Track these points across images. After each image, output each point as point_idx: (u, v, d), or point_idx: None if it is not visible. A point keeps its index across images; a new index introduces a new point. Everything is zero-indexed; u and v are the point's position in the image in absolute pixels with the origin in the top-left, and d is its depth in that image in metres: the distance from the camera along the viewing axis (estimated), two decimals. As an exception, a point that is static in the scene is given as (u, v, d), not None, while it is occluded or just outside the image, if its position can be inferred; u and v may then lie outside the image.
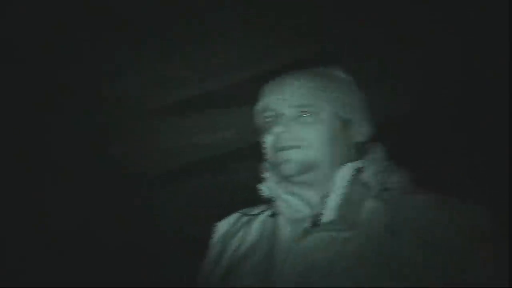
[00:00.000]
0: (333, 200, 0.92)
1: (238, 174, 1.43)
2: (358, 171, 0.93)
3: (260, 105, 1.01)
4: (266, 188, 1.00)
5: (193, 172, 1.55)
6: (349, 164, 0.93)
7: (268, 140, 0.97)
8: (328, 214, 0.90)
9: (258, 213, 1.04)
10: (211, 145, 1.48)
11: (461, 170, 0.88)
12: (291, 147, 0.94)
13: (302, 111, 0.94)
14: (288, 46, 0.96)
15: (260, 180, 1.04)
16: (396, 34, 1.23)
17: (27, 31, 1.21)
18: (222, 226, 1.10)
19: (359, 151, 0.98)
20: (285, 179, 0.96)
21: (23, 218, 1.43)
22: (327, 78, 0.99)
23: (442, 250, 0.80)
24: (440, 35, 1.23)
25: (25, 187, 1.43)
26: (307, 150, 0.93)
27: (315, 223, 0.92)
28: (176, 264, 1.41)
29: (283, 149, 0.94)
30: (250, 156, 1.04)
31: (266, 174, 1.00)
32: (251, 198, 1.04)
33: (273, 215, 0.99)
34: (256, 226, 1.04)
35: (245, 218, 1.07)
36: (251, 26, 1.24)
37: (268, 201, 1.00)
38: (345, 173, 0.93)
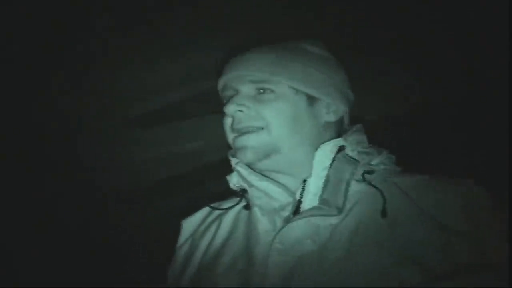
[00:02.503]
0: (314, 183, 0.83)
1: (210, 189, 1.35)
2: (339, 150, 0.84)
3: (219, 83, 0.91)
4: (236, 178, 0.90)
5: (161, 189, 1.48)
6: (330, 142, 0.83)
7: (227, 122, 0.88)
8: (310, 200, 0.82)
9: (230, 207, 0.93)
10: (179, 158, 1.41)
11: (461, 170, 0.87)
12: (246, 131, 0.84)
13: (259, 88, 0.85)
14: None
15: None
16: (395, 34, 1.23)
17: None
18: (190, 224, 0.99)
19: (335, 131, 0.90)
20: (251, 165, 0.85)
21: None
22: (291, 51, 0.88)
23: (442, 229, 0.74)
24: (440, 35, 1.23)
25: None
26: (266, 132, 0.83)
27: (296, 210, 0.83)
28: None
29: (239, 132, 0.84)
30: (222, 168, 0.94)
31: (234, 161, 0.89)
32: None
33: (246, 207, 0.90)
34: (228, 220, 0.93)
35: (215, 213, 0.96)
36: (219, 34, 1.21)
37: (241, 193, 0.90)
38: (325, 153, 0.83)
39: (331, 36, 1.02)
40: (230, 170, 0.93)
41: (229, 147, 0.93)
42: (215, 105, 0.97)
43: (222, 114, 0.90)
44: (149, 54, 1.25)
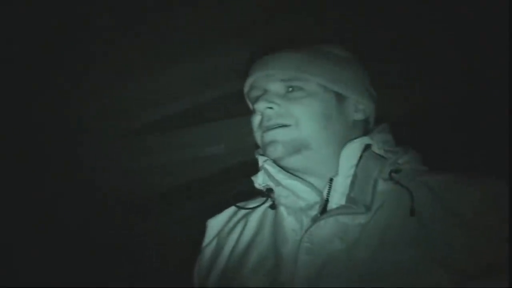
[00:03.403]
0: (341, 182, 0.82)
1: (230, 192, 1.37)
2: (366, 149, 0.83)
3: (246, 84, 0.92)
4: (262, 178, 0.90)
5: (180, 194, 1.48)
6: (356, 140, 0.83)
7: (255, 120, 0.88)
8: (337, 199, 0.82)
9: (256, 206, 0.93)
10: (198, 162, 1.41)
11: (461, 170, 0.87)
12: (277, 126, 0.84)
13: (288, 86, 0.85)
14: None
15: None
16: (395, 34, 1.23)
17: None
18: (215, 224, 0.99)
19: (361, 130, 0.90)
20: (279, 163, 0.86)
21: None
22: (316, 52, 0.89)
23: (471, 229, 0.72)
24: (440, 35, 1.23)
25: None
26: (296, 128, 0.83)
27: (324, 210, 0.82)
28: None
29: (268, 128, 0.84)
30: (243, 173, 0.95)
31: (261, 160, 0.90)
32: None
33: (272, 206, 0.90)
34: (254, 219, 0.93)
35: (241, 212, 0.97)
36: (241, 35, 1.22)
37: (267, 193, 0.90)
38: (352, 151, 0.82)
39: (331, 40, 1.02)
40: (249, 173, 0.93)
41: (256, 146, 0.94)
42: (234, 109, 0.97)
43: (247, 115, 0.90)
44: (162, 57, 1.26)
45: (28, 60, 1.24)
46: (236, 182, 1.11)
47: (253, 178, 0.93)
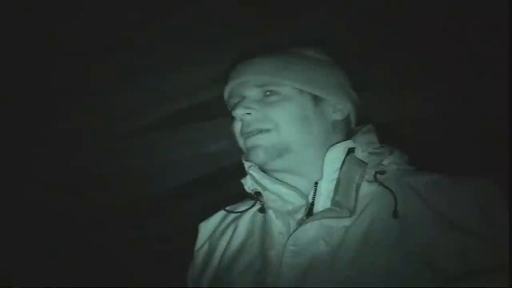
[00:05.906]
0: (326, 186, 0.83)
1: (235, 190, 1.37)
2: (350, 152, 0.84)
3: (225, 91, 0.93)
4: (250, 182, 0.91)
5: (180, 194, 1.48)
6: (340, 144, 0.84)
7: (236, 127, 0.89)
8: (323, 202, 0.83)
9: (246, 210, 0.95)
10: (199, 161, 1.40)
11: (461, 170, 0.87)
12: (257, 132, 0.85)
13: (265, 91, 0.86)
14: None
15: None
16: (393, 34, 1.23)
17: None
18: (207, 227, 1.01)
19: (343, 130, 0.91)
20: (263, 167, 0.87)
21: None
22: (291, 56, 0.91)
23: (456, 231, 0.73)
24: (440, 35, 1.23)
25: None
26: (275, 133, 0.84)
27: (309, 213, 0.84)
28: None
29: (249, 134, 0.86)
30: (243, 171, 0.95)
31: (247, 165, 0.90)
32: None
33: (261, 210, 0.91)
34: (244, 222, 0.95)
35: (231, 216, 0.98)
36: (242, 35, 1.22)
37: (255, 196, 0.91)
38: (336, 154, 0.84)
39: (331, 41, 1.03)
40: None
41: (241, 151, 0.95)
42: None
43: (231, 120, 0.91)
44: (162, 57, 1.26)
45: (28, 61, 1.24)
46: (236, 181, 1.12)
47: (242, 181, 0.94)
